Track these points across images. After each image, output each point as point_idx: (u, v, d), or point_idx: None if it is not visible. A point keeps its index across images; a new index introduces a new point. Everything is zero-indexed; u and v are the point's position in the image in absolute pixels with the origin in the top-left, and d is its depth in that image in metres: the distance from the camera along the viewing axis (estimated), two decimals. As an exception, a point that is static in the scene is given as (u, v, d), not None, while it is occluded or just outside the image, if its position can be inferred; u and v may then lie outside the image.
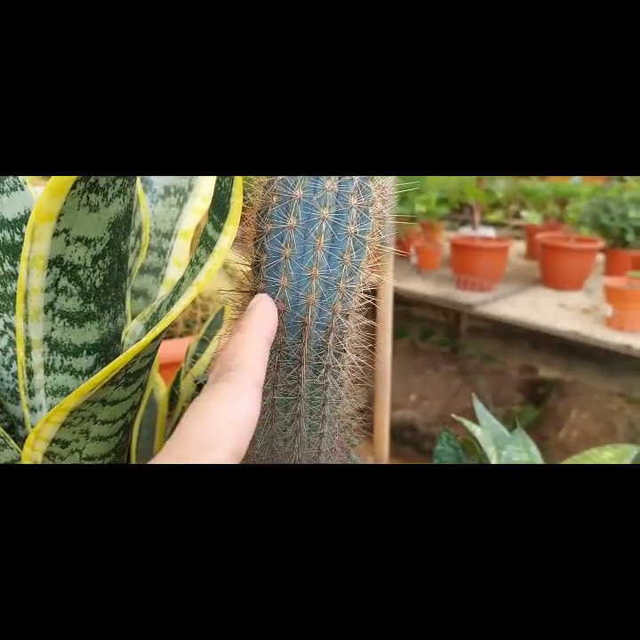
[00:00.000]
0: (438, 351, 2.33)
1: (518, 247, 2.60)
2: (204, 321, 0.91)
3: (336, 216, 0.28)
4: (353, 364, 0.32)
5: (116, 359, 0.27)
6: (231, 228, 0.26)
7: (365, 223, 0.28)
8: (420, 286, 2.12)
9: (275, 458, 0.33)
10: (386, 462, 1.18)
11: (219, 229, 0.26)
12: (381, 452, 1.18)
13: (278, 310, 0.29)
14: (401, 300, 1.99)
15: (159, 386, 0.53)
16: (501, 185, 2.69)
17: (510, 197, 2.83)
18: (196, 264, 0.27)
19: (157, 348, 0.33)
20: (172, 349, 0.75)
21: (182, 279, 0.29)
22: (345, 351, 0.31)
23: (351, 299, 0.29)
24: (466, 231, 2.45)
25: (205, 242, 0.27)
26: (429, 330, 2.40)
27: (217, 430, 0.22)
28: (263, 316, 0.26)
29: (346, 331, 0.30)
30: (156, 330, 0.27)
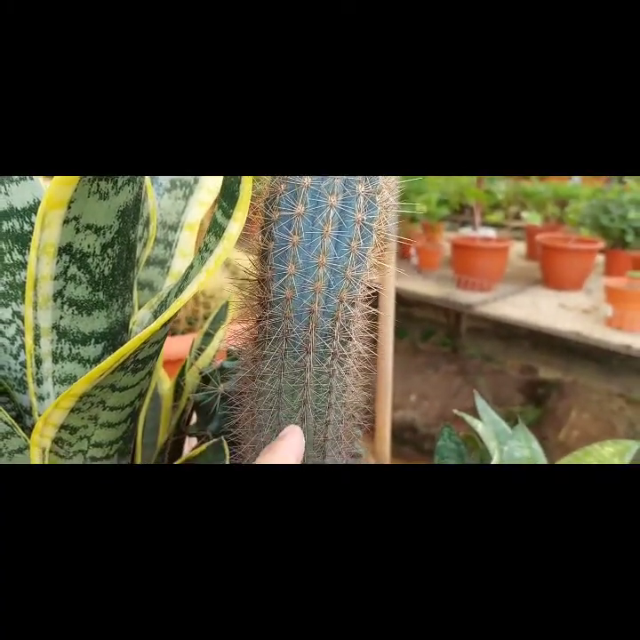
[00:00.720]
0: (438, 351, 2.33)
1: (518, 248, 2.61)
2: (205, 318, 0.91)
3: (344, 203, 0.28)
4: (359, 352, 0.32)
5: (126, 344, 0.27)
6: (240, 214, 0.26)
7: (372, 211, 0.29)
8: (421, 286, 2.13)
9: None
10: (387, 463, 1.18)
11: (228, 216, 0.27)
12: (383, 452, 1.18)
13: (285, 298, 0.29)
14: (402, 300, 1.99)
15: (163, 380, 0.53)
16: (501, 186, 2.70)
17: (510, 198, 2.84)
18: (205, 251, 0.28)
19: (165, 336, 0.33)
20: (174, 346, 0.75)
21: (191, 266, 0.29)
22: (351, 339, 0.31)
23: (357, 287, 0.30)
24: (466, 232, 2.46)
25: (215, 228, 0.27)
26: (430, 330, 2.40)
27: None
28: (292, 444, 0.30)
29: (352, 318, 0.30)
30: (166, 315, 0.27)
